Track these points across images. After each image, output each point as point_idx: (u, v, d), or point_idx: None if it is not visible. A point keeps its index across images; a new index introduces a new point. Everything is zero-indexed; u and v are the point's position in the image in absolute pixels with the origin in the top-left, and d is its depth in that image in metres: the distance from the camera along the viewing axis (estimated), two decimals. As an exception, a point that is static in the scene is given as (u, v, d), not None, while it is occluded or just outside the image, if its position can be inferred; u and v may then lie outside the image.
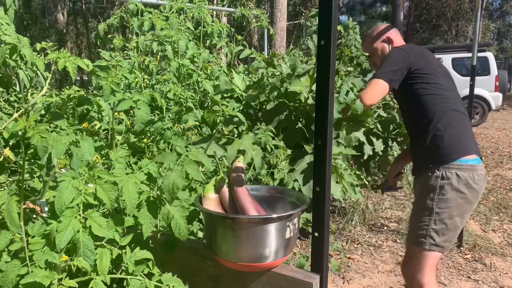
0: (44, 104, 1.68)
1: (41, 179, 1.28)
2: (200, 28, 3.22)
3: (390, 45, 1.94)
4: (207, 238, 1.25)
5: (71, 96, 1.55)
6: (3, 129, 1.06)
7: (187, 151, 1.25)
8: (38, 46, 1.24)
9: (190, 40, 2.75)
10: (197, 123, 2.18)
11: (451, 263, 2.99)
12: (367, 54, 2.04)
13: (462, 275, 2.83)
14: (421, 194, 1.77)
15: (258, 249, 1.12)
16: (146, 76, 2.47)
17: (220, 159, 1.36)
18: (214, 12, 7.05)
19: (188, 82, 2.61)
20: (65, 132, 1.17)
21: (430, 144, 1.74)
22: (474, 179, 1.68)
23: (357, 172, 2.89)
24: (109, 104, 1.44)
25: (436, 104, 1.77)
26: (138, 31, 2.75)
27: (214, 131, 1.97)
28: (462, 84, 7.17)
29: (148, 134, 1.85)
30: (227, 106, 1.98)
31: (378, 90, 1.75)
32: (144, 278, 1.06)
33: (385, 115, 3.50)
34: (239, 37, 3.52)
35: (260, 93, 2.84)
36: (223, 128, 1.93)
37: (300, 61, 2.99)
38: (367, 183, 3.32)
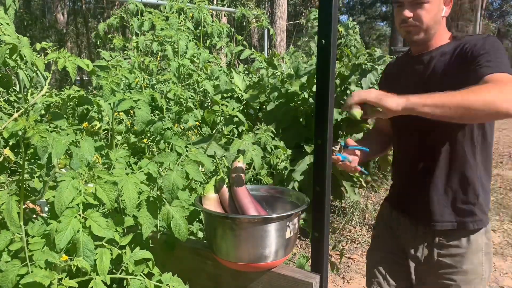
0: (44, 104, 1.68)
1: (41, 179, 1.27)
2: (200, 28, 3.22)
3: (445, 8, 1.38)
4: (207, 238, 1.25)
5: (71, 96, 1.55)
6: (3, 129, 1.06)
7: (187, 151, 1.25)
8: (38, 46, 1.23)
9: (190, 40, 2.74)
10: (197, 123, 2.18)
11: (451, 263, 2.99)
12: None
13: (462, 275, 2.82)
14: (473, 262, 1.35)
15: (258, 249, 1.12)
16: (146, 76, 2.46)
17: (220, 159, 1.35)
18: (214, 12, 7.05)
19: (188, 82, 2.61)
20: (65, 132, 1.17)
21: (475, 194, 1.34)
22: None
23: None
24: (109, 104, 1.44)
25: (490, 145, 1.34)
26: (138, 31, 2.75)
27: (214, 131, 1.97)
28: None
29: (148, 134, 1.85)
30: (227, 106, 1.98)
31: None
32: (144, 278, 1.06)
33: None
34: (239, 37, 3.51)
35: (261, 93, 2.84)
36: (223, 128, 1.92)
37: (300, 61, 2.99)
38: (364, 184, 3.31)
